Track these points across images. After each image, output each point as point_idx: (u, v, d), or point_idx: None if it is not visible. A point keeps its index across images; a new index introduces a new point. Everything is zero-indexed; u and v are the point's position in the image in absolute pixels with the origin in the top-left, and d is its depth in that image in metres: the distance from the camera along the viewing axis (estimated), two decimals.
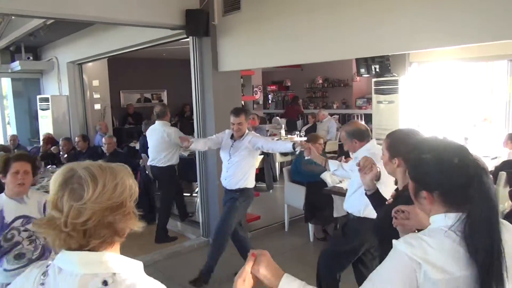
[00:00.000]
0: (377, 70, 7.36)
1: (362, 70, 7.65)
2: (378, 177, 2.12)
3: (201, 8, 4.62)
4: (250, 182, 3.92)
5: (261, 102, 11.41)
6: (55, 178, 1.06)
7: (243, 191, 3.87)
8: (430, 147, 1.25)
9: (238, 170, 3.83)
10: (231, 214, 3.86)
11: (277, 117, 10.77)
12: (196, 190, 5.97)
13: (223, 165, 3.98)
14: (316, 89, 11.83)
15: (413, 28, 3.00)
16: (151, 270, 3.96)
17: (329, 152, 7.10)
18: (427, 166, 1.21)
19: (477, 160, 1.20)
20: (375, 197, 2.05)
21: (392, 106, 6.98)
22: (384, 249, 1.67)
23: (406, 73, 7.39)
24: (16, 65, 7.96)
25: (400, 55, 6.94)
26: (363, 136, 3.02)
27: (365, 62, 7.47)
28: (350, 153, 3.41)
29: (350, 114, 10.39)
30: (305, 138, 5.70)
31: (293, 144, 3.60)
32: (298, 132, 8.39)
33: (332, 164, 3.32)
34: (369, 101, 9.62)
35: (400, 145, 1.87)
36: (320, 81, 11.56)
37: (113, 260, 1.02)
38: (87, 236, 1.00)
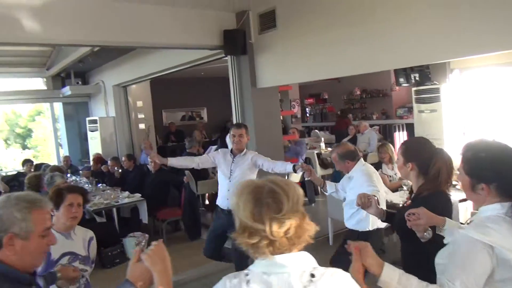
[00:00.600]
0: (417, 79, 7.19)
1: (401, 80, 7.50)
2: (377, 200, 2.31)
3: (238, 28, 4.76)
4: None
5: (299, 115, 11.42)
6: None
7: None
8: (484, 147, 1.46)
9: None
10: None
11: (316, 130, 10.73)
12: None
13: (221, 185, 3.90)
14: (354, 101, 11.70)
15: (452, 36, 2.95)
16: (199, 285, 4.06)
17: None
18: (485, 163, 1.40)
19: None
20: (389, 217, 2.18)
21: (435, 115, 6.79)
22: (405, 244, 2.03)
23: (447, 81, 7.19)
24: (67, 90, 8.48)
25: (440, 62, 6.77)
26: (354, 156, 3.25)
27: (404, 72, 7.33)
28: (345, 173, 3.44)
29: (391, 124, 10.18)
30: None
31: (294, 166, 3.57)
32: None
33: (330, 186, 3.48)
34: (410, 110, 9.39)
35: (414, 151, 2.05)
36: (358, 92, 11.43)
37: (308, 257, 1.17)
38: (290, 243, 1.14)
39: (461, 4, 2.83)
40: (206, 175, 6.72)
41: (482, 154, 1.43)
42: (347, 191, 3.28)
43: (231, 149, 3.85)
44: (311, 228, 1.19)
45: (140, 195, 5.43)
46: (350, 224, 3.32)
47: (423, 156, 1.99)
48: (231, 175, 3.78)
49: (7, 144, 16.53)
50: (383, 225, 3.09)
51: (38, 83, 9.20)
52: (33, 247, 1.40)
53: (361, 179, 3.11)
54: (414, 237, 1.78)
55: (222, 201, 3.83)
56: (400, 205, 3.53)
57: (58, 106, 9.77)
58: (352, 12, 3.64)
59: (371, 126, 9.12)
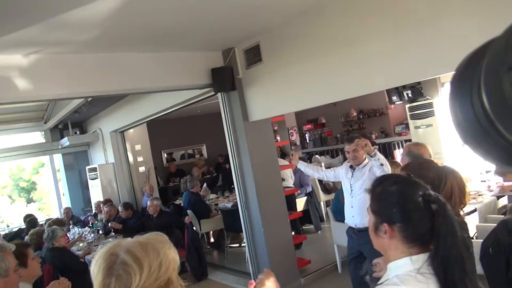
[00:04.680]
0: (410, 95, 7.25)
1: (394, 98, 7.57)
2: None
3: (225, 65, 4.84)
4: None
5: (298, 143, 11.44)
6: (98, 263, 1.06)
7: None
8: (395, 180, 1.26)
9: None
10: None
11: (317, 155, 10.71)
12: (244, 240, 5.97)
13: (346, 202, 3.77)
14: (352, 122, 11.74)
15: (436, 53, 2.97)
16: None
17: None
18: (391, 199, 1.21)
19: (439, 196, 1.18)
20: None
21: (431, 129, 6.79)
22: None
23: (440, 95, 7.23)
24: (65, 141, 8.55)
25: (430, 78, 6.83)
26: None
27: (396, 90, 7.39)
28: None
29: (390, 142, 10.16)
30: None
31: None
32: None
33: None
34: (407, 126, 9.40)
35: (422, 173, 1.80)
36: (355, 114, 11.49)
37: None
38: None
39: (443, 22, 2.87)
40: (208, 213, 6.67)
41: (392, 188, 1.23)
42: None
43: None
44: None
45: None
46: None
47: (431, 176, 1.77)
48: (352, 191, 3.68)
49: (12, 200, 16.52)
50: None
51: (37, 137, 9.30)
52: (11, 282, 1.94)
53: None
54: None
55: (348, 219, 3.74)
56: None
57: (58, 158, 9.84)
58: (334, 40, 3.70)
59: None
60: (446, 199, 1.66)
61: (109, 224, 6.13)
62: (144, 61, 4.41)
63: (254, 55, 4.60)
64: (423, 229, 1.15)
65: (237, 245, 6.88)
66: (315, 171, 4.12)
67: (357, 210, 3.59)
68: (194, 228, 5.82)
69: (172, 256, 1.11)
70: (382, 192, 1.25)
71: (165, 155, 11.45)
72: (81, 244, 5.64)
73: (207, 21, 3.71)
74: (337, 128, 11.98)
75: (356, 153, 3.61)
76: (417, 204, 1.16)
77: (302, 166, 4.11)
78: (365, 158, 3.64)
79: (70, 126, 8.58)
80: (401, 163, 3.20)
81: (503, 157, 0.44)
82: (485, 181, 5.29)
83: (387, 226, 1.20)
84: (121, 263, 1.03)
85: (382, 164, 3.29)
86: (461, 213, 1.80)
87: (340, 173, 3.84)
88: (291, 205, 5.86)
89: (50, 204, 15.44)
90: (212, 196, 8.08)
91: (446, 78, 7.20)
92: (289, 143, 10.22)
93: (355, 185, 3.63)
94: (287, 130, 9.60)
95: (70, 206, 8.16)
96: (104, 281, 1.02)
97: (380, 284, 1.20)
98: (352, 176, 3.67)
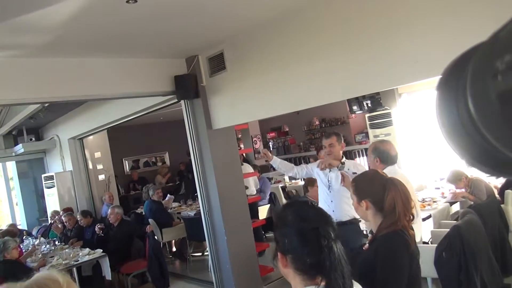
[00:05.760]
0: (369, 105, 7.49)
1: (355, 108, 7.80)
2: None
3: (189, 72, 4.82)
4: None
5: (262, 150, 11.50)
6: None
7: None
8: (294, 210, 1.27)
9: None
10: None
11: None
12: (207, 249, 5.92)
13: (321, 197, 3.84)
14: (314, 131, 11.96)
15: (392, 65, 3.09)
16: None
17: None
18: (285, 229, 1.23)
19: (330, 232, 1.21)
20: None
21: (389, 138, 7.02)
22: None
23: (397, 105, 7.52)
24: (20, 148, 8.18)
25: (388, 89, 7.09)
26: (386, 160, 3.05)
27: (356, 100, 7.63)
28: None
29: (351, 150, 10.43)
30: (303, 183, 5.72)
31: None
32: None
33: (274, 161, 3.79)
34: (367, 135, 9.69)
35: (365, 187, 1.88)
36: (317, 122, 11.72)
37: None
38: None
39: (396, 39, 2.99)
40: (170, 221, 6.57)
41: (288, 218, 1.25)
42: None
43: None
44: None
45: (101, 250, 5.20)
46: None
47: (375, 189, 1.80)
48: (330, 186, 3.66)
49: None
50: None
51: None
52: None
53: None
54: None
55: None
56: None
57: (12, 165, 9.38)
58: (296, 51, 3.77)
59: None
60: (389, 211, 1.72)
61: (69, 241, 5.92)
62: (106, 66, 4.31)
63: (218, 63, 4.61)
64: (312, 262, 1.17)
65: (200, 254, 6.80)
66: (288, 169, 4.10)
67: (337, 204, 3.61)
68: (155, 237, 5.71)
69: None
70: (279, 220, 1.28)
71: (127, 162, 11.18)
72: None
73: (171, 29, 3.69)
74: (300, 136, 12.17)
75: (333, 148, 3.63)
76: (307, 237, 1.18)
77: (276, 162, 4.08)
78: (342, 157, 3.69)
79: (25, 133, 8.22)
80: (367, 161, 3.27)
81: (488, 161, 0.46)
82: (439, 188, 5.54)
83: (280, 256, 1.23)
84: None
85: (355, 173, 3.31)
86: (412, 224, 1.82)
87: (314, 169, 3.83)
88: (254, 212, 5.88)
89: (1, 214, 14.68)
90: (175, 204, 7.97)
91: (404, 89, 7.52)
92: (253, 151, 10.29)
93: (333, 179, 3.63)
94: (251, 138, 9.66)
95: (24, 215, 7.76)
96: None
97: None
98: (330, 171, 3.67)
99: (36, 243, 5.80)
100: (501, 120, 0.39)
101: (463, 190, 4.73)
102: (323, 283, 1.15)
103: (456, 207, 5.05)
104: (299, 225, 1.21)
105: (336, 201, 3.64)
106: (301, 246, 1.18)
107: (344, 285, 1.15)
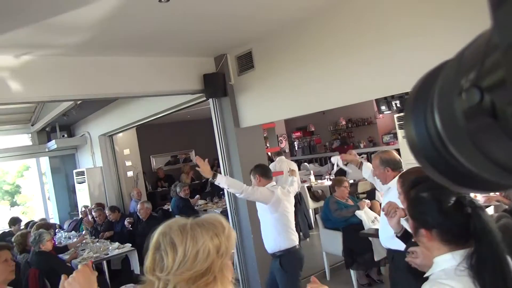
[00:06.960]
0: (398, 105, 7.36)
1: (383, 108, 7.68)
2: (405, 215, 2.12)
3: (217, 71, 4.86)
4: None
5: (287, 150, 11.48)
6: (152, 237, 1.11)
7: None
8: (428, 186, 1.27)
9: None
10: None
11: (305, 163, 10.76)
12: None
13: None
14: (340, 131, 11.82)
15: (423, 64, 3.02)
16: None
17: (363, 193, 6.98)
18: (425, 205, 1.25)
19: (473, 199, 1.22)
20: (405, 237, 2.07)
21: None
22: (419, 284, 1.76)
23: None
24: (53, 144, 8.45)
25: None
26: (397, 166, 2.99)
27: (385, 100, 7.51)
28: (378, 188, 3.38)
29: (378, 151, 10.24)
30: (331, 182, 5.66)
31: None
32: (328, 176, 8.34)
33: (366, 168, 3.41)
34: (396, 136, 9.52)
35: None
36: (344, 122, 11.58)
37: None
38: None
39: (428, 35, 2.93)
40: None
41: (424, 194, 1.27)
42: (382, 202, 3.06)
43: None
44: None
45: (130, 245, 5.31)
46: (388, 243, 2.92)
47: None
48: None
49: None
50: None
51: (24, 139, 9.17)
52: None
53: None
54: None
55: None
56: None
57: (45, 161, 9.70)
58: (324, 49, 3.74)
59: (359, 154, 9.16)
60: None
61: (100, 234, 6.08)
62: (136, 65, 4.40)
63: (246, 62, 4.62)
64: (460, 231, 1.19)
65: None
66: (241, 191, 3.34)
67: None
68: None
69: (216, 243, 1.07)
70: (415, 198, 1.30)
71: (154, 160, 11.37)
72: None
73: (200, 28, 3.72)
74: (326, 136, 12.05)
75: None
76: (450, 210, 1.20)
77: (223, 180, 3.29)
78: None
79: (58, 129, 8.49)
80: (375, 173, 3.18)
81: (455, 178, 0.47)
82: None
83: (424, 232, 1.25)
84: (164, 244, 1.07)
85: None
86: None
87: (277, 195, 3.55)
88: None
89: (34, 208, 15.21)
90: (201, 202, 8.05)
91: None
92: (279, 149, 10.27)
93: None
94: (277, 137, 9.64)
95: (56, 209, 8.02)
96: (153, 255, 1.08)
97: (427, 277, 1.26)
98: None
99: (66, 235, 5.98)
100: (466, 136, 0.40)
101: (498, 193, 4.58)
102: (472, 248, 1.16)
103: (490, 211, 4.89)
104: (439, 199, 1.22)
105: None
106: (445, 219, 1.20)
107: (497, 248, 1.13)
